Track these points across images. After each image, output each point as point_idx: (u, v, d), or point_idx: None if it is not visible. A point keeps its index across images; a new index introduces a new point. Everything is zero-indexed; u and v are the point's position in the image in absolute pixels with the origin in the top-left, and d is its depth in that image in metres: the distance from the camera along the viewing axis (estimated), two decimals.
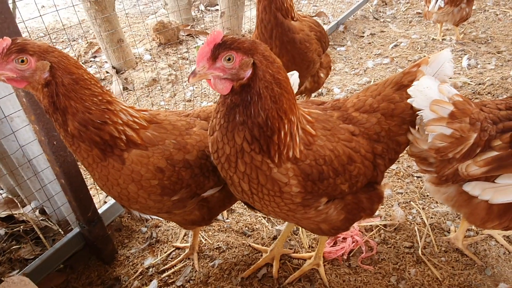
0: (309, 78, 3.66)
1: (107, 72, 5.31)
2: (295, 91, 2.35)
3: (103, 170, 1.87)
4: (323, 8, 7.65)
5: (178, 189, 2.01)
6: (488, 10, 6.96)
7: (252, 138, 1.60)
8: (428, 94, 1.85)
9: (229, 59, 1.49)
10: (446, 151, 1.94)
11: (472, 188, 2.00)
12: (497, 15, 6.74)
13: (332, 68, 4.34)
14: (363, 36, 6.31)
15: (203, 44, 1.51)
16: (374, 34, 6.36)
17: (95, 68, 5.51)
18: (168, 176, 1.94)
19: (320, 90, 4.63)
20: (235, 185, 1.80)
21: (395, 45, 5.81)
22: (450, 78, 5.00)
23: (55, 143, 2.15)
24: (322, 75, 3.74)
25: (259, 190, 1.72)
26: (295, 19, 3.29)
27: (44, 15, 2.71)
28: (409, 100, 1.91)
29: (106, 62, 5.59)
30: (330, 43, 6.02)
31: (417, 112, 1.91)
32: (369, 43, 6.06)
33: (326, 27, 6.25)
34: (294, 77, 2.33)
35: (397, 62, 5.32)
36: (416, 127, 2.04)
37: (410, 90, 1.89)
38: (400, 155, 3.49)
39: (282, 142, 1.63)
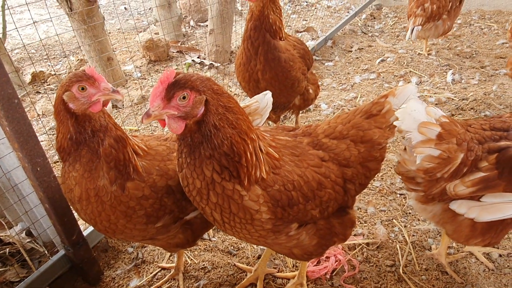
0: (298, 96, 3.72)
1: None
2: (268, 110, 2.39)
3: (99, 205, 1.89)
4: (313, 22, 7.75)
5: (162, 215, 2.02)
6: (473, 24, 7.09)
7: (221, 168, 1.65)
8: (416, 117, 1.90)
9: (183, 98, 1.53)
10: (434, 172, 1.99)
11: (458, 206, 2.05)
12: (482, 29, 6.87)
13: (319, 83, 4.40)
14: (351, 51, 6.40)
15: (156, 84, 1.54)
16: (362, 48, 6.45)
17: None
18: (151, 204, 1.95)
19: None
20: (207, 215, 1.84)
21: (382, 60, 5.89)
22: (435, 93, 5.02)
23: (38, 169, 2.18)
24: (311, 91, 3.80)
25: (231, 219, 1.75)
26: (282, 39, 3.37)
27: (32, 43, 2.76)
28: (396, 123, 1.95)
29: None
30: (318, 58, 6.12)
31: (405, 135, 1.95)
32: (357, 58, 6.14)
33: (314, 43, 6.34)
34: (267, 97, 2.38)
35: (383, 77, 5.40)
36: (404, 148, 2.09)
37: (398, 113, 1.93)
38: (383, 172, 3.57)
39: (250, 163, 1.67)
